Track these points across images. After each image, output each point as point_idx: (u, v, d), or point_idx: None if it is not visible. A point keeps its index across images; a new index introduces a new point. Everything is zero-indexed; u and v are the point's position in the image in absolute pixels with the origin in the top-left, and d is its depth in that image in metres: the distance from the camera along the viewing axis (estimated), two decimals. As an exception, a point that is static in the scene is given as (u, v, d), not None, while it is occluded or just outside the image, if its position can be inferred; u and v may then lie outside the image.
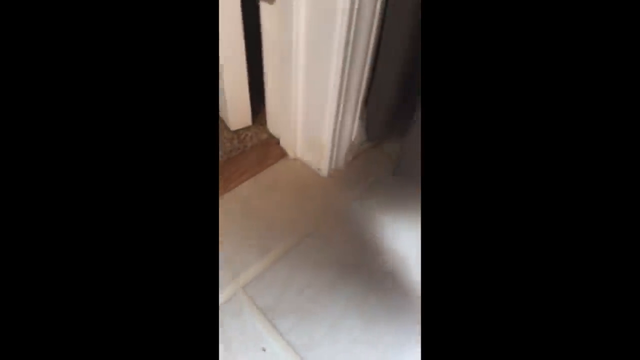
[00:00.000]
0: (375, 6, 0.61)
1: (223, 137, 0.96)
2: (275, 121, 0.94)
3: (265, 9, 0.73)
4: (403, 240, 0.80)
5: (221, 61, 0.81)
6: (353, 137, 0.86)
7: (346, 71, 0.67)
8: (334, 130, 0.78)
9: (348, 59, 0.65)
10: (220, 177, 0.86)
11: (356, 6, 0.58)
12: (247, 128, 0.99)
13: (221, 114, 0.97)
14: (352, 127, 0.83)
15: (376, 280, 0.73)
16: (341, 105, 0.74)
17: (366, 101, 0.79)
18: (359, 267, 0.74)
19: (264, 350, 0.63)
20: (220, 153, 0.92)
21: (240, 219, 0.80)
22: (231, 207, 0.82)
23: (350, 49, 0.64)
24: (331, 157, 0.85)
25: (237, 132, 0.97)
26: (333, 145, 0.82)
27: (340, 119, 0.77)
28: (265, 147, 0.95)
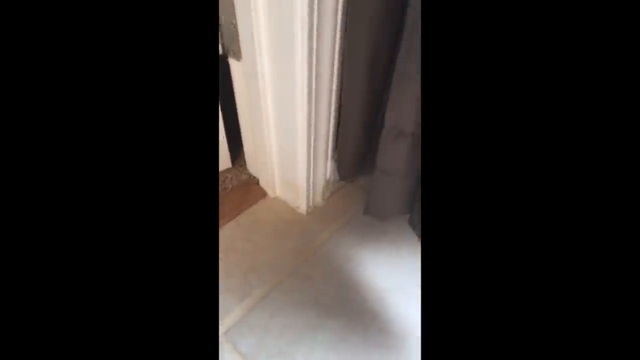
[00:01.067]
0: (332, 62, 0.65)
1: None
2: (253, 163, 0.98)
3: (233, 65, 0.77)
4: (382, 275, 0.82)
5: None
6: (327, 176, 0.89)
7: (312, 120, 0.71)
8: (308, 171, 0.82)
9: (313, 109, 0.69)
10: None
11: (314, 69, 0.62)
12: (228, 170, 1.02)
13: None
14: (325, 168, 0.86)
15: (356, 319, 0.75)
16: (312, 150, 0.77)
17: (336, 144, 0.82)
18: (338, 306, 0.76)
19: (245, 398, 0.64)
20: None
21: (222, 262, 0.83)
22: (213, 251, 0.84)
23: (313, 100, 0.67)
24: (308, 196, 0.88)
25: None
26: (308, 185, 0.86)
27: (312, 161, 0.80)
28: (245, 188, 0.98)
